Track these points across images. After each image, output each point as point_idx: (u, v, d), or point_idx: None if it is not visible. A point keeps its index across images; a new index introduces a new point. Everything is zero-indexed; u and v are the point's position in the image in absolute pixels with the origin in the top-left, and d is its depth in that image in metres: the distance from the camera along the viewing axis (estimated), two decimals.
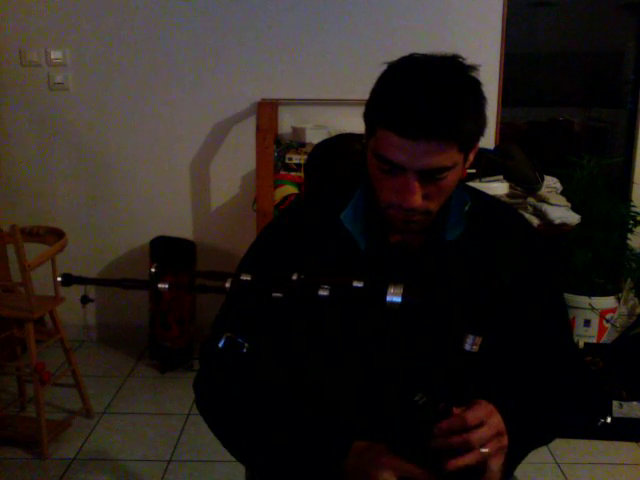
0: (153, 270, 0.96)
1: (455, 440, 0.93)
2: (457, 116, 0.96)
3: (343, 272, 0.99)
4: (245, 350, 0.97)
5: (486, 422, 0.95)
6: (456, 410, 0.95)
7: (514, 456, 1.01)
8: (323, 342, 1.10)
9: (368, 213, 1.11)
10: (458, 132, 0.97)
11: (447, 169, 0.99)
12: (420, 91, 0.96)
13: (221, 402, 1.14)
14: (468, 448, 0.93)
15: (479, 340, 0.92)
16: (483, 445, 0.94)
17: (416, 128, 0.95)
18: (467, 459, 0.94)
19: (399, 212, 1.03)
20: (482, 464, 0.95)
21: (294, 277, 0.91)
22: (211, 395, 1.17)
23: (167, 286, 0.92)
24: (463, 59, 1.02)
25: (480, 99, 1.01)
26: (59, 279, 0.95)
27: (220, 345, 0.97)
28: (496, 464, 0.96)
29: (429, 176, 1.00)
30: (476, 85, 1.01)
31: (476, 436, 0.94)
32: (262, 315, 1.07)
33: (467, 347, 0.93)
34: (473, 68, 1.01)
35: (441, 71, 0.99)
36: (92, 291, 3.49)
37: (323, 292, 0.90)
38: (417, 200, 1.00)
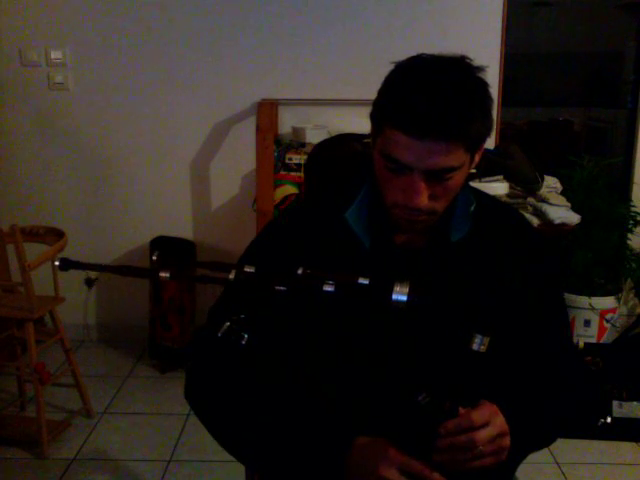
0: (154, 258, 0.95)
1: (461, 439, 0.94)
2: (465, 117, 0.97)
3: (347, 271, 0.99)
4: (244, 342, 0.97)
5: (491, 422, 0.96)
6: (461, 410, 0.96)
7: (516, 457, 1.01)
8: (326, 339, 1.10)
9: (373, 212, 1.11)
10: (465, 133, 0.97)
11: (454, 169, 1.00)
12: (428, 91, 0.96)
13: (217, 394, 1.12)
14: (472, 447, 0.94)
15: (487, 340, 0.93)
16: (486, 445, 0.95)
17: (424, 128, 0.95)
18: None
19: (404, 212, 1.04)
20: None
21: (299, 271, 0.91)
22: (206, 386, 1.14)
23: (169, 275, 0.91)
24: (471, 60, 1.02)
25: (487, 100, 1.01)
26: (56, 263, 0.93)
27: (220, 334, 0.97)
28: (494, 463, 0.97)
29: (436, 176, 1.00)
30: (484, 86, 1.01)
31: (481, 436, 0.95)
32: (264, 309, 1.06)
33: (475, 347, 0.93)
34: (480, 69, 1.02)
35: (449, 71, 0.99)
36: (93, 291, 3.49)
37: (328, 287, 0.89)
38: (423, 200, 1.00)
